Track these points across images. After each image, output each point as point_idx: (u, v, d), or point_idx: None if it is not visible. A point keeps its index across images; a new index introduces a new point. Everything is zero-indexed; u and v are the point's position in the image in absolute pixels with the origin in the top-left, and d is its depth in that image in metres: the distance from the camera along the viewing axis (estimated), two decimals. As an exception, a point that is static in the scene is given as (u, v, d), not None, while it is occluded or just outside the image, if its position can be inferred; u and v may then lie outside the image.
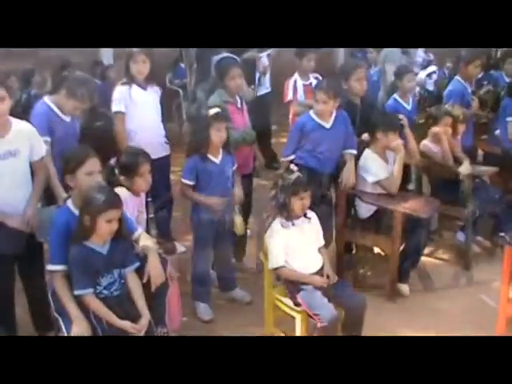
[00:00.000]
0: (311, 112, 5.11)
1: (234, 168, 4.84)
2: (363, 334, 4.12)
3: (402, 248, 5.05)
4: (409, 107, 6.30)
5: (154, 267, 3.77)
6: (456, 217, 5.89)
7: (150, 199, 5.14)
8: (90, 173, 3.74)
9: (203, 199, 4.65)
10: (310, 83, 6.39)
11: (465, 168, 5.50)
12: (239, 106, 5.19)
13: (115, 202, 3.58)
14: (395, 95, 6.34)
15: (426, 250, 5.91)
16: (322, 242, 4.42)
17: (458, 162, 5.67)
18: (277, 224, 4.22)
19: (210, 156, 4.64)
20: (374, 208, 5.11)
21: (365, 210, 5.20)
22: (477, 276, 5.53)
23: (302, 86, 6.36)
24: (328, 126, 5.06)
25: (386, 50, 8.03)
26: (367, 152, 5.15)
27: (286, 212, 4.19)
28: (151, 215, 5.30)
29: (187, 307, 4.65)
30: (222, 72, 5.10)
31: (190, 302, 4.82)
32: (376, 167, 5.09)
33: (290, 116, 6.04)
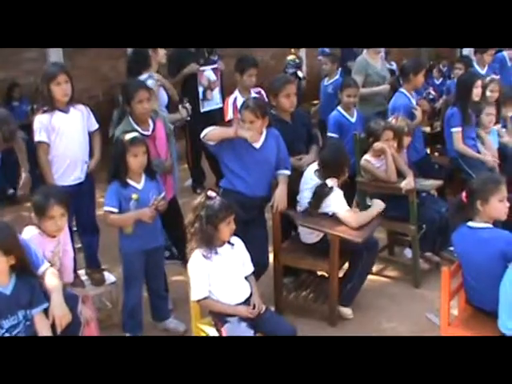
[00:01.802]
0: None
1: (162, 195, 4.60)
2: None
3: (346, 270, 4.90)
4: (353, 119, 6.14)
5: (56, 306, 3.49)
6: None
7: (75, 228, 4.93)
8: None
9: (132, 215, 4.41)
10: (252, 98, 6.22)
11: (407, 183, 5.28)
12: (148, 133, 4.90)
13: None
14: (339, 107, 6.19)
15: (375, 268, 5.73)
16: (250, 269, 4.21)
17: (403, 176, 5.46)
18: (198, 254, 4.00)
19: (130, 182, 4.43)
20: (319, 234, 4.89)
21: (307, 235, 4.99)
22: (426, 294, 5.34)
23: (244, 104, 6.19)
24: (257, 145, 4.84)
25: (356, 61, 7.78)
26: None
27: (210, 242, 3.98)
28: (78, 245, 5.06)
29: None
30: (129, 96, 4.82)
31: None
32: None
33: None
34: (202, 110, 7.51)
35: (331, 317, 4.85)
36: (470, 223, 3.96)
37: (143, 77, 5.83)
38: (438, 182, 5.77)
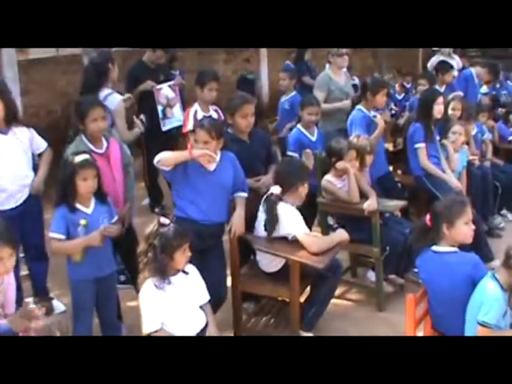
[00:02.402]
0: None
1: (114, 220, 4.37)
2: None
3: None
4: (313, 138, 5.97)
5: None
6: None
7: (21, 254, 4.66)
8: None
9: (79, 241, 4.14)
10: (210, 116, 6.04)
11: (369, 204, 5.10)
12: (102, 151, 4.68)
13: None
14: (299, 125, 6.02)
15: (338, 292, 5.54)
16: (205, 298, 4.00)
17: (365, 196, 5.28)
18: (150, 284, 3.76)
19: (79, 206, 4.19)
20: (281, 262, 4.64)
21: (267, 264, 4.75)
22: (390, 317, 5.16)
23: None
24: (212, 168, 4.62)
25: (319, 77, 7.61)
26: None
27: (163, 271, 3.75)
28: (25, 272, 4.79)
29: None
30: (83, 113, 4.59)
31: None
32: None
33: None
34: (163, 129, 7.29)
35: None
36: (434, 247, 3.83)
37: (103, 93, 5.54)
38: (402, 203, 5.60)
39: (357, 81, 10.04)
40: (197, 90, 6.03)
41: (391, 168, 6.90)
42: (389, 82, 11.89)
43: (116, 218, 4.41)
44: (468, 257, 3.76)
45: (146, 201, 8.05)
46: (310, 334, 4.72)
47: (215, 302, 4.13)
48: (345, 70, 7.60)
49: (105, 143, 4.73)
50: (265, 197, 4.65)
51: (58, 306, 4.79)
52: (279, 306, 5.04)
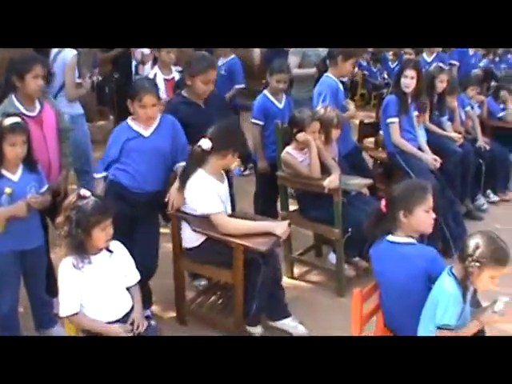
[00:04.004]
0: (129, 119, 4.28)
1: (43, 190, 3.99)
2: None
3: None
4: (280, 105, 5.54)
5: None
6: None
7: None
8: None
9: (3, 211, 3.75)
10: (173, 78, 5.64)
11: (331, 181, 4.66)
12: (34, 114, 4.27)
13: None
14: (265, 91, 5.57)
15: (297, 273, 5.19)
16: (134, 279, 3.62)
17: (329, 172, 4.84)
18: (68, 264, 3.37)
19: (4, 173, 3.80)
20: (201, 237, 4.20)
21: (189, 237, 4.29)
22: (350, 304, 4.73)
23: (164, 81, 5.58)
24: (147, 133, 4.23)
25: None
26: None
27: (80, 249, 3.36)
28: None
29: None
30: (23, 69, 4.17)
31: None
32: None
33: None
34: None
35: (236, 332, 4.22)
36: (390, 237, 3.42)
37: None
38: (367, 181, 5.15)
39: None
40: (155, 51, 5.67)
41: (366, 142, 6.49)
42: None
43: (45, 188, 4.02)
44: (426, 250, 3.36)
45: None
46: (258, 330, 4.33)
47: (142, 275, 3.72)
48: None
49: (38, 106, 4.34)
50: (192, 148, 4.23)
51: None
52: (228, 287, 4.63)
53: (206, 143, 4.10)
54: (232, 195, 4.67)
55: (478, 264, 3.00)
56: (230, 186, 4.55)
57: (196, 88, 4.62)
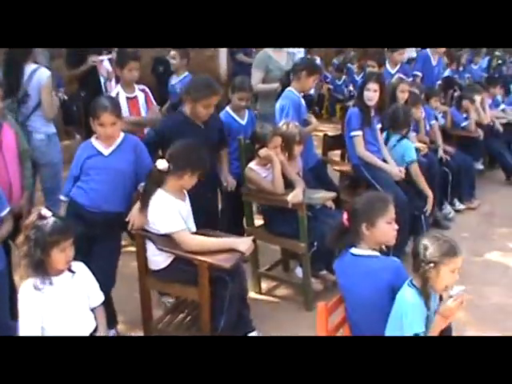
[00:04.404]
0: (93, 137, 4.26)
1: (5, 213, 3.94)
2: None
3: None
4: (243, 122, 5.53)
5: None
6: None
7: None
8: None
9: None
10: (135, 96, 5.59)
11: (294, 196, 4.66)
12: None
13: None
14: (228, 108, 5.56)
15: (264, 288, 5.16)
16: (98, 300, 3.58)
17: (293, 187, 4.85)
18: (28, 285, 3.31)
19: None
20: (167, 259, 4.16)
21: (155, 260, 4.23)
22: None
23: (126, 100, 5.53)
24: (106, 152, 4.21)
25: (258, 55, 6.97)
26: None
27: (39, 269, 3.30)
28: None
29: None
30: None
31: None
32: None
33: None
34: None
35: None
36: (353, 250, 3.41)
37: (29, 69, 5.22)
38: (330, 194, 5.17)
39: (318, 60, 9.56)
40: (117, 70, 5.66)
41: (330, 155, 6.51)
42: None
43: (7, 211, 3.95)
44: (389, 261, 3.38)
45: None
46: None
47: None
48: (290, 50, 7.09)
49: None
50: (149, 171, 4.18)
51: None
52: (196, 304, 4.59)
53: (161, 164, 4.06)
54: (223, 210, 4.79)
55: (432, 264, 3.04)
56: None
57: (197, 112, 4.69)
